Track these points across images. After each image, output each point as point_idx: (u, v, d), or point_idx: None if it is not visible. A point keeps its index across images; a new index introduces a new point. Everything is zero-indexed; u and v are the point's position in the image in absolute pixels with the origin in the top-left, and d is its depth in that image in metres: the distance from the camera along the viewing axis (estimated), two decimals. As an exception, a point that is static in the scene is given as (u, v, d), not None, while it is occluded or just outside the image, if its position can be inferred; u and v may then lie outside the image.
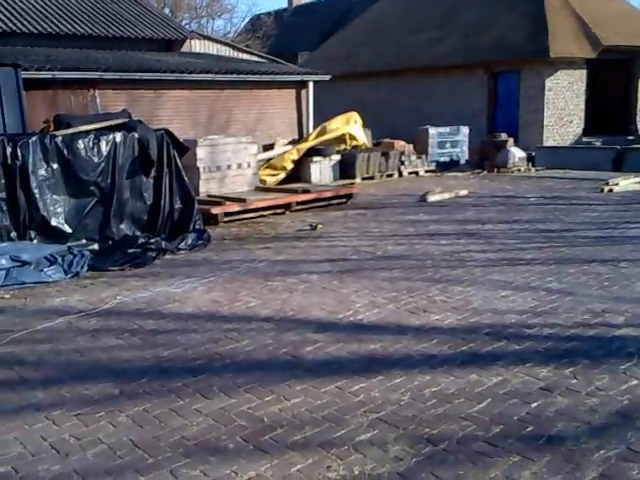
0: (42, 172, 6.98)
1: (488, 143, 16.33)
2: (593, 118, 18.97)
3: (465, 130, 16.50)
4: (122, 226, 7.57)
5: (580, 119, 18.95)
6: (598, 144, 17.75)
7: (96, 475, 2.96)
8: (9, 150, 6.77)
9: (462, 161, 16.38)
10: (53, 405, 3.67)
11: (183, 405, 3.64)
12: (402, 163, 14.95)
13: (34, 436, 3.33)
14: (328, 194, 10.80)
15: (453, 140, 16.32)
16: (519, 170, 15.43)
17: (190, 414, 3.52)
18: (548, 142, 18.25)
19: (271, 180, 12.63)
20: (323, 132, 14.08)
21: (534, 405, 3.50)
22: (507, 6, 19.42)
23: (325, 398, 3.68)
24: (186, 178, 8.16)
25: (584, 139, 18.66)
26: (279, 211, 10.04)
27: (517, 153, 15.82)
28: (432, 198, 11.19)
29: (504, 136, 16.31)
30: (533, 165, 15.90)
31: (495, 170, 15.34)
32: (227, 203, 9.56)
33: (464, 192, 11.85)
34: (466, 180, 14.07)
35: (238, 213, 9.54)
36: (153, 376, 4.04)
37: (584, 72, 18.56)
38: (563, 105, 18.70)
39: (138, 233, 7.62)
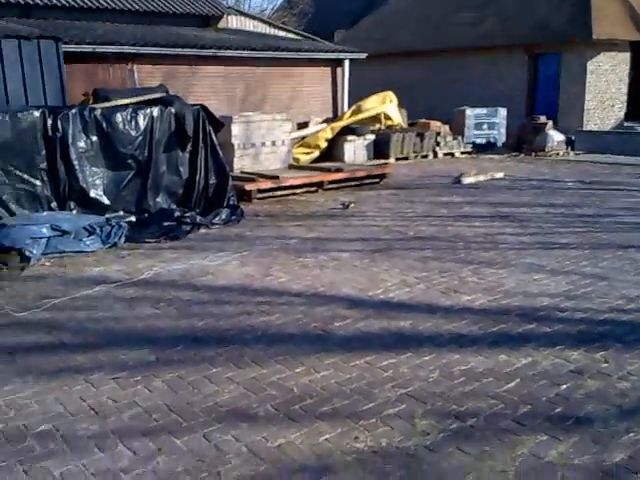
0: (81, 144, 7.13)
1: (526, 126, 16.07)
2: (636, 102, 18.48)
3: (503, 112, 16.24)
4: (158, 199, 7.69)
5: (622, 103, 18.48)
6: (640, 129, 17.32)
7: (132, 436, 3.07)
8: (50, 122, 6.91)
9: (499, 143, 16.15)
10: (91, 369, 3.80)
11: (216, 373, 3.73)
12: (437, 144, 14.82)
13: (73, 397, 3.46)
14: (361, 173, 10.78)
15: (490, 122, 16.09)
16: (557, 154, 15.16)
17: (222, 382, 3.61)
18: (588, 126, 17.85)
19: (305, 158, 12.65)
20: (358, 111, 14.03)
21: (563, 387, 3.50)
22: (550, -15, 18.92)
23: (354, 372, 3.74)
24: (221, 154, 8.24)
25: (626, 124, 18.21)
26: (312, 189, 10.07)
27: (556, 136, 15.53)
28: (467, 180, 11.09)
29: (543, 119, 16.02)
30: (572, 149, 15.60)
31: (533, 153, 15.10)
32: (260, 180, 9.62)
33: (500, 175, 11.71)
34: (502, 163, 13.89)
35: (271, 190, 9.60)
36: (187, 344, 4.14)
37: (627, 55, 18.06)
38: (605, 88, 18.24)
39: (173, 207, 7.74)
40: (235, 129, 10.40)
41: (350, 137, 13.27)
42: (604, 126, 18.19)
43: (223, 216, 7.81)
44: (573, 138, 15.99)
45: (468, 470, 2.78)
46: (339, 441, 3.01)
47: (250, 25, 17.96)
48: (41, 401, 3.42)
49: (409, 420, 3.18)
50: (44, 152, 6.89)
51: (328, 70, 14.84)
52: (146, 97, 7.85)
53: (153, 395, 3.48)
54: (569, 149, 15.53)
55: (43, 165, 6.90)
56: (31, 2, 13.73)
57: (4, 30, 9.03)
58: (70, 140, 6.99)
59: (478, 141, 15.76)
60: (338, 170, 10.63)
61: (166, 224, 7.27)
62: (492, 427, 3.10)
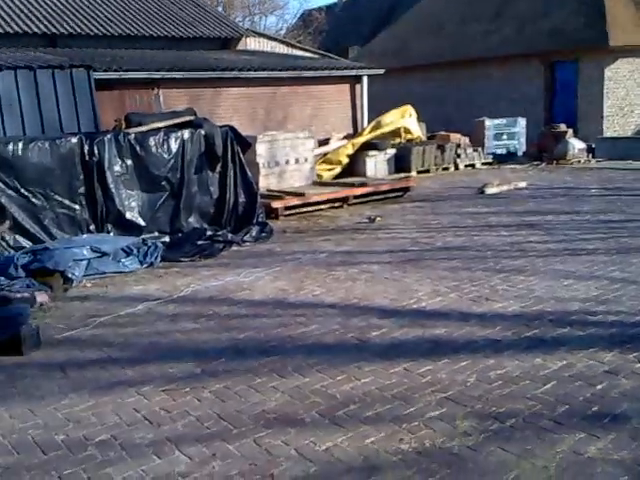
0: (117, 168, 7.40)
1: (546, 134, 16.11)
2: (656, 107, 18.43)
3: (522, 121, 16.32)
4: (191, 219, 7.93)
5: (642, 109, 18.45)
6: (661, 134, 17.27)
7: (187, 442, 3.23)
8: (87, 148, 7.21)
9: (519, 153, 16.21)
10: (142, 382, 3.98)
11: (261, 383, 3.89)
12: (458, 156, 14.93)
13: (127, 409, 3.64)
14: (385, 187, 10.95)
15: (510, 132, 16.17)
16: (579, 162, 15.19)
17: (268, 391, 3.77)
18: (608, 133, 17.83)
19: (327, 174, 12.85)
20: (378, 126, 14.22)
21: (599, 387, 3.60)
22: (564, -6, 19.03)
23: (393, 378, 3.87)
24: (249, 173, 8.46)
25: (646, 129, 18.17)
26: (337, 204, 10.25)
27: (576, 144, 15.56)
28: (490, 190, 11.19)
29: (563, 127, 16.05)
30: (593, 156, 15.60)
31: (554, 162, 15.13)
32: (287, 197, 9.83)
33: (523, 184, 11.79)
34: (524, 172, 13.95)
35: (297, 207, 9.79)
36: (230, 356, 4.32)
37: (646, 60, 18.04)
38: (624, 95, 18.21)
39: (205, 226, 7.97)
40: (260, 148, 10.64)
41: (371, 152, 13.45)
42: (624, 132, 18.15)
43: (253, 233, 8.01)
44: (593, 145, 16.00)
45: (511, 467, 2.90)
46: (384, 443, 3.15)
47: (268, 45, 18.35)
48: (98, 413, 3.61)
49: (450, 422, 3.30)
50: (82, 177, 7.18)
51: (347, 87, 15.09)
52: (177, 120, 8.12)
53: (203, 405, 3.65)
54: (590, 156, 15.54)
55: (81, 190, 7.19)
56: (57, 32, 14.22)
57: (38, 60, 9.40)
58: (106, 165, 7.28)
59: (498, 151, 15.84)
60: (362, 185, 10.81)
61: (199, 243, 7.49)
62: (531, 427, 3.22)
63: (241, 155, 8.39)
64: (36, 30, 13.91)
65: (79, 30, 14.41)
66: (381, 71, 15.59)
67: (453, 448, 3.07)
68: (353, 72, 15.03)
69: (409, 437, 3.19)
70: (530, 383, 3.71)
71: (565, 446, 3.03)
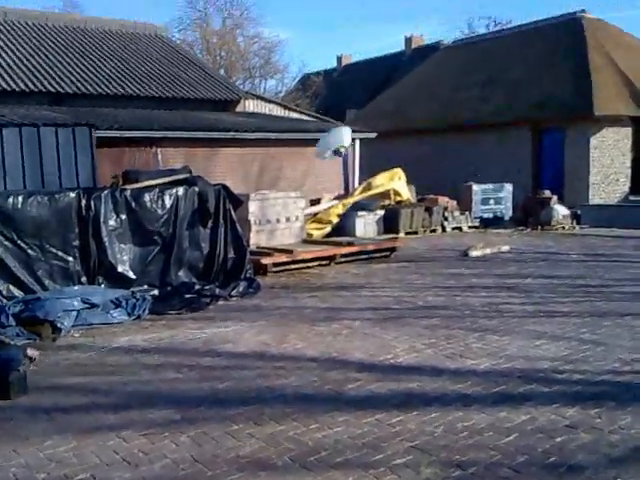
0: (112, 222, 7.70)
1: (532, 200, 16.60)
2: (640, 176, 18.98)
3: (509, 187, 16.84)
4: (180, 273, 8.17)
5: (627, 177, 18.98)
6: (646, 203, 17.72)
7: (163, 484, 3.38)
8: (84, 202, 7.51)
9: (506, 217, 16.65)
10: (123, 426, 4.14)
11: (237, 429, 4.05)
12: (445, 219, 15.34)
13: (108, 451, 3.79)
14: (372, 247, 11.25)
15: (497, 197, 16.66)
16: (563, 228, 15.60)
17: (243, 437, 3.93)
18: (594, 200, 18.31)
19: (317, 233, 13.17)
20: (368, 188, 14.68)
21: (558, 439, 3.78)
22: (551, 65, 19.88)
23: (365, 428, 4.04)
24: (240, 230, 8.76)
25: (631, 197, 18.65)
26: (324, 262, 10.53)
27: (561, 211, 16.01)
28: (474, 253, 11.50)
29: (548, 193, 16.55)
30: (578, 223, 16.01)
31: (539, 227, 15.54)
32: (276, 254, 10.10)
33: (506, 248, 12.12)
34: (509, 236, 14.33)
35: (286, 264, 10.05)
36: (210, 405, 4.48)
37: (630, 130, 18.66)
38: (609, 163, 18.80)
39: (194, 280, 8.20)
40: (252, 206, 10.98)
41: (361, 212, 13.84)
42: (610, 200, 18.64)
43: (241, 288, 8.24)
44: (579, 212, 16.44)
45: (468, 512, 3.06)
46: (351, 488, 3.30)
47: (266, 108, 19.02)
48: (79, 454, 3.75)
49: (415, 469, 3.47)
50: (77, 230, 7.46)
51: (340, 150, 15.59)
52: (172, 178, 8.47)
53: (180, 448, 3.80)
54: (575, 223, 15.95)
55: (76, 242, 7.45)
56: (62, 91, 14.81)
57: (42, 118, 9.82)
58: (102, 219, 7.57)
59: (485, 215, 16.28)
60: (350, 244, 11.11)
61: (187, 296, 7.71)
62: (491, 474, 3.39)
63: (232, 212, 8.71)
64: (41, 88, 14.49)
65: (83, 89, 15.02)
66: (373, 135, 16.18)
67: (415, 494, 3.23)
68: (345, 136, 15.54)
69: (374, 483, 3.35)
70: (494, 435, 3.89)
71: (521, 494, 3.20)
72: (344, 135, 12.64)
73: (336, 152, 12.14)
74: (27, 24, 17.25)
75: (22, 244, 7.18)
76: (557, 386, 4.70)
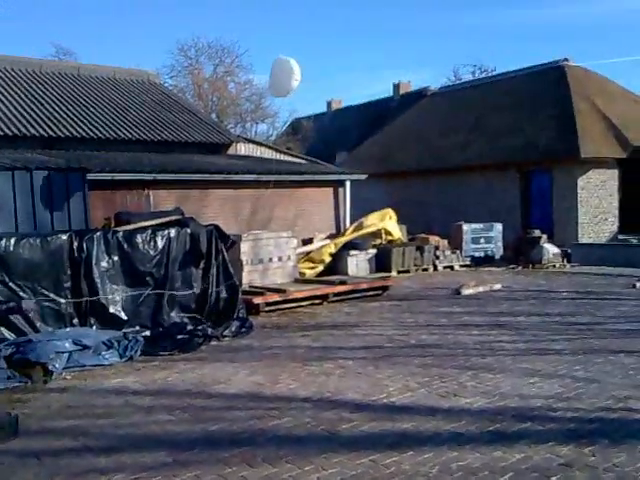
0: (104, 264, 7.71)
1: (522, 239, 16.76)
2: (629, 215, 19.19)
3: (499, 227, 17.00)
4: (172, 313, 8.15)
5: (615, 217, 19.21)
6: (635, 241, 17.91)
7: (155, 528, 3.33)
8: (76, 244, 7.54)
9: (497, 256, 16.77)
10: (114, 469, 4.08)
11: (231, 472, 4.01)
12: (437, 257, 15.44)
13: (99, 495, 3.74)
14: (364, 286, 11.28)
15: (487, 236, 16.81)
16: (554, 266, 15.70)
17: (237, 480, 3.89)
18: (583, 239, 18.48)
19: (310, 272, 13.21)
20: (360, 227, 14.80)
21: (553, 478, 3.77)
22: (536, 110, 20.33)
23: (360, 469, 4.01)
24: (232, 269, 8.78)
25: (620, 236, 18.84)
26: (317, 301, 10.53)
27: (551, 249, 16.15)
28: (466, 291, 11.55)
29: (537, 232, 16.72)
30: (569, 261, 16.14)
31: (530, 266, 15.64)
32: (268, 293, 10.11)
33: (498, 286, 12.18)
34: (500, 275, 14.40)
35: (278, 303, 10.05)
36: (203, 447, 4.44)
37: (616, 171, 18.98)
38: (597, 203, 19.05)
39: (186, 320, 8.18)
40: (244, 246, 11.03)
41: (353, 252, 13.91)
42: (599, 239, 18.82)
43: (233, 328, 8.22)
44: (569, 251, 16.59)
45: None
46: (346, 530, 3.26)
47: (257, 151, 19.23)
48: (69, 499, 3.70)
49: (410, 510, 3.44)
50: (69, 272, 7.46)
51: (330, 190, 15.78)
52: (164, 220, 8.53)
53: (173, 492, 3.75)
54: (565, 261, 16.08)
55: (68, 284, 7.45)
56: (54, 135, 14.93)
57: (35, 162, 9.91)
58: (94, 261, 7.59)
59: (476, 254, 16.39)
60: (342, 283, 11.14)
61: (179, 337, 7.68)
62: (487, 515, 3.36)
63: (224, 253, 8.75)
64: (34, 133, 14.61)
65: (75, 133, 15.15)
66: (363, 176, 16.37)
67: (411, 535, 3.20)
68: (335, 177, 15.78)
69: (370, 524, 3.31)
70: (489, 474, 3.87)
71: (517, 533, 3.17)
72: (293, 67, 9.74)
73: None
74: (20, 71, 17.49)
75: (14, 286, 7.16)
76: (551, 424, 4.70)
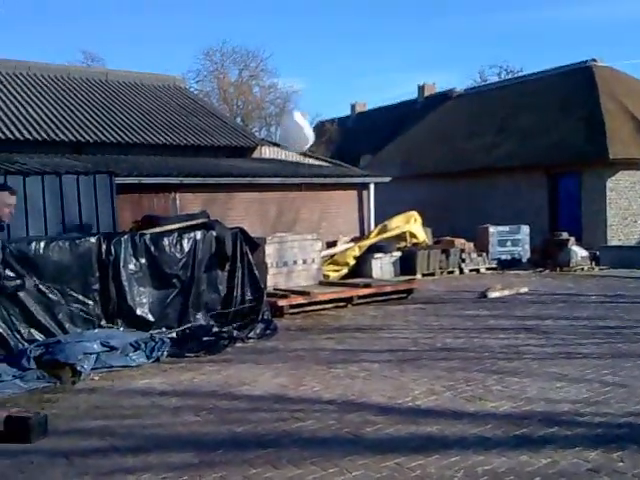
0: (131, 266, 7.81)
1: (550, 242, 16.56)
2: (659, 217, 18.87)
3: (526, 229, 16.81)
4: (198, 315, 8.23)
5: (645, 219, 18.91)
6: (665, 244, 17.60)
7: (181, 528, 3.36)
8: (104, 247, 7.65)
9: (524, 259, 16.58)
10: (142, 469, 4.13)
11: (256, 473, 4.03)
12: (462, 260, 15.33)
13: (126, 494, 3.79)
14: (388, 289, 11.25)
15: (514, 238, 16.63)
16: (582, 269, 15.49)
17: (262, 481, 3.92)
18: (612, 241, 18.20)
19: (334, 275, 13.22)
20: (384, 230, 14.76)
21: (581, 483, 3.72)
22: (563, 111, 20.10)
23: (384, 472, 4.00)
24: (257, 272, 8.84)
25: (650, 238, 18.55)
26: (341, 304, 10.53)
27: (579, 252, 15.93)
28: (492, 294, 11.45)
29: (565, 235, 16.49)
30: (597, 264, 15.91)
31: (557, 269, 15.45)
32: (292, 296, 10.15)
33: (525, 289, 12.05)
34: (527, 278, 14.25)
35: (303, 305, 10.08)
36: (228, 448, 4.47)
37: (646, 173, 18.70)
38: (626, 205, 18.77)
39: (212, 322, 8.25)
40: (269, 249, 11.09)
41: (377, 254, 13.88)
42: (628, 241, 18.53)
43: (258, 330, 8.26)
44: (598, 253, 16.36)
45: None
46: (370, 533, 3.26)
47: (282, 154, 19.31)
48: (98, 498, 3.76)
49: (435, 513, 3.42)
50: (97, 274, 7.57)
51: (354, 193, 15.79)
52: (191, 223, 8.61)
53: (199, 492, 3.79)
54: (593, 264, 15.85)
55: (96, 286, 7.56)
56: (83, 140, 15.18)
57: (64, 166, 10.09)
58: (122, 263, 7.69)
59: (503, 257, 16.23)
60: (366, 286, 11.12)
61: (205, 339, 7.74)
62: (513, 519, 3.33)
63: (250, 255, 8.81)
64: (63, 138, 14.87)
65: (103, 138, 15.38)
66: (387, 179, 16.34)
67: (436, 538, 3.18)
68: (360, 180, 15.77)
69: (394, 527, 3.31)
70: (515, 479, 3.83)
71: (544, 539, 3.14)
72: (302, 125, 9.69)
73: None
74: (50, 77, 17.81)
75: (43, 288, 7.29)
76: (579, 429, 4.63)
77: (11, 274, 6.77)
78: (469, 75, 72.30)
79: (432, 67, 65.03)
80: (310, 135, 9.43)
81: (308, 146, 8.78)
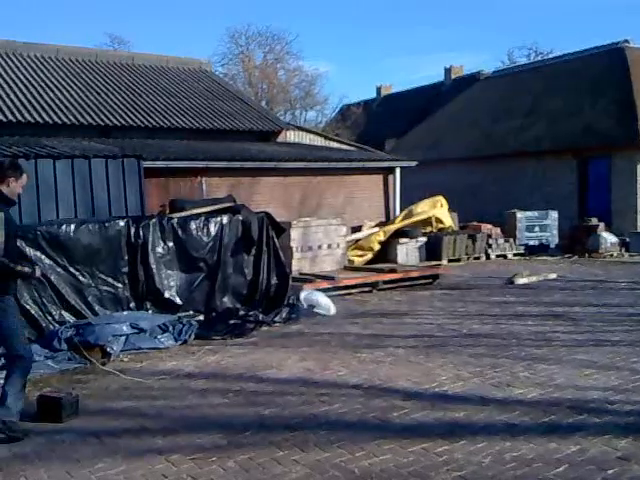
0: (159, 249, 7.89)
1: (578, 228, 16.32)
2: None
3: (554, 214, 16.56)
4: (225, 299, 8.29)
5: (675, 204, 18.49)
6: (696, 231, 17.21)
7: (211, 508, 3.41)
8: (133, 230, 7.73)
9: (552, 245, 16.35)
10: (171, 450, 4.20)
11: (283, 456, 4.07)
12: (489, 246, 15.18)
13: (157, 474, 3.86)
14: (414, 274, 11.20)
15: (542, 224, 16.40)
16: (611, 255, 15.25)
17: (289, 463, 3.95)
18: (643, 227, 17.88)
19: (359, 260, 13.18)
20: (409, 215, 14.66)
21: (610, 472, 3.68)
22: (594, 93, 19.68)
23: (411, 457, 4.01)
24: (282, 256, 8.86)
25: (681, 224, 18.15)
26: (366, 289, 10.52)
27: (609, 238, 15.68)
28: (519, 281, 11.34)
29: (594, 221, 16.24)
30: (627, 250, 15.65)
31: (586, 255, 15.23)
32: (317, 280, 10.16)
33: (553, 275, 11.91)
34: (556, 264, 14.08)
35: (328, 290, 10.07)
36: (255, 430, 4.52)
37: (677, 157, 18.27)
38: (657, 190, 18.37)
39: (238, 306, 8.31)
40: (294, 233, 11.10)
41: (402, 239, 13.80)
42: (659, 227, 18.16)
43: (283, 314, 8.30)
44: (627, 240, 16.08)
45: None
46: (398, 517, 3.28)
47: (307, 138, 19.25)
48: (129, 477, 3.83)
49: (463, 499, 3.43)
50: (126, 257, 7.67)
51: (380, 177, 15.68)
52: (217, 207, 8.65)
53: (227, 473, 3.84)
54: (623, 250, 15.59)
55: (125, 269, 7.66)
56: (110, 124, 15.29)
57: (92, 150, 10.19)
58: (150, 246, 7.77)
59: (530, 243, 16.03)
60: (392, 271, 11.09)
61: (231, 322, 7.81)
62: (541, 507, 3.32)
63: (275, 240, 8.83)
64: (91, 122, 14.98)
65: (130, 122, 15.46)
66: (413, 163, 16.20)
67: (463, 524, 3.18)
68: (385, 164, 15.66)
69: (422, 512, 3.32)
70: (543, 466, 3.81)
71: (573, 526, 3.12)
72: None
73: None
74: (77, 61, 17.93)
75: (73, 271, 7.40)
76: (608, 417, 4.58)
77: (30, 257, 6.84)
78: (497, 57, 71.15)
79: (460, 49, 64.07)
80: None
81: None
